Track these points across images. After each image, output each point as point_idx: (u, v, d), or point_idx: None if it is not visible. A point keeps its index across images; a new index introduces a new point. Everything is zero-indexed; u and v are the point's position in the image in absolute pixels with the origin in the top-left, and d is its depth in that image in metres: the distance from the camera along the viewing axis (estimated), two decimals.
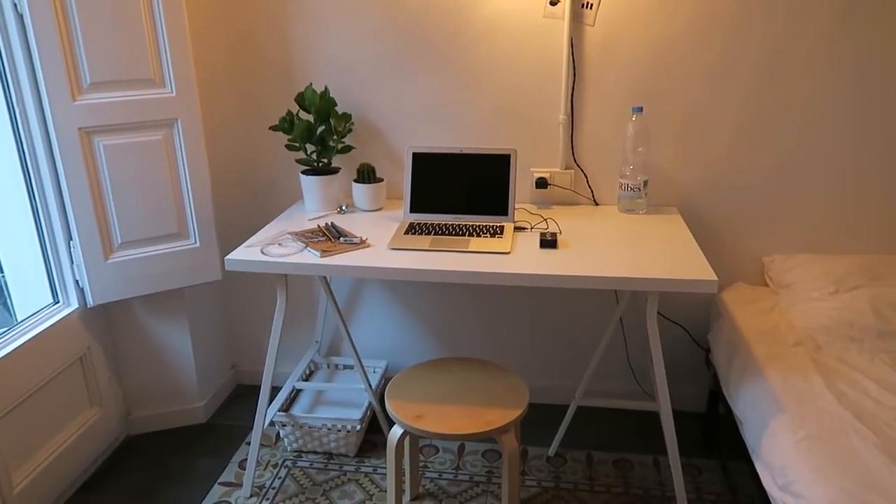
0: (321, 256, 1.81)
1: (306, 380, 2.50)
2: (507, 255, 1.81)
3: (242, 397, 2.66)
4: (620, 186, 2.16)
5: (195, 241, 2.19)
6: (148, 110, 2.02)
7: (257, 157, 2.42)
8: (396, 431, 1.68)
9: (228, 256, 1.82)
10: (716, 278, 1.63)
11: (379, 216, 2.17)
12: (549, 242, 1.87)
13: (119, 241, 2.07)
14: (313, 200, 2.21)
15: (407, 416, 1.65)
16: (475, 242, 1.88)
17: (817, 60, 2.04)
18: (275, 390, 2.25)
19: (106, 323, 2.27)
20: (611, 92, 2.17)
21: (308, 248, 1.87)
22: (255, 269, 1.82)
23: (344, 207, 2.23)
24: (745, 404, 1.76)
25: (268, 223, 2.17)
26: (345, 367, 2.58)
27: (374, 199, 2.21)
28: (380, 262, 1.77)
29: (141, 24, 1.94)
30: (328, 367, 2.58)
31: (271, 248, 1.89)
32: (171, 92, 2.04)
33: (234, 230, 2.50)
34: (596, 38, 2.12)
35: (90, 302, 2.07)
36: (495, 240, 1.90)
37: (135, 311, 2.29)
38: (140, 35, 1.95)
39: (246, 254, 1.84)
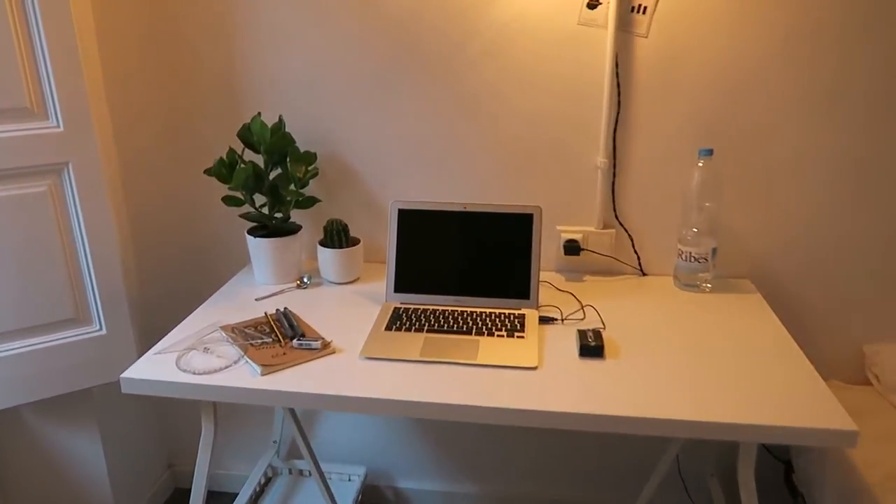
0: (262, 373, 1.24)
1: (262, 490, 1.93)
2: (534, 370, 1.25)
3: None
4: (679, 255, 1.59)
5: (100, 328, 1.60)
6: (25, 151, 1.43)
7: (193, 207, 1.83)
8: None
9: (124, 374, 1.24)
10: (856, 428, 1.08)
11: (353, 292, 1.60)
12: (592, 349, 1.30)
13: None
14: (264, 270, 1.63)
15: None
16: (486, 347, 1.31)
17: None
18: (221, 497, 1.67)
19: None
20: (668, 127, 1.60)
21: (246, 358, 1.29)
22: (166, 394, 1.24)
23: (306, 280, 1.65)
24: None
25: (207, 298, 1.59)
26: (311, 473, 2.00)
27: (346, 268, 1.63)
28: (345, 387, 1.20)
29: (7, 31, 1.36)
30: (290, 472, 2.00)
31: (192, 356, 1.31)
32: (57, 126, 1.45)
33: (161, 308, 1.91)
34: (650, 54, 1.55)
35: None
36: (515, 342, 1.33)
37: (24, 418, 1.71)
38: (6, 46, 1.36)
39: (151, 369, 1.26)
